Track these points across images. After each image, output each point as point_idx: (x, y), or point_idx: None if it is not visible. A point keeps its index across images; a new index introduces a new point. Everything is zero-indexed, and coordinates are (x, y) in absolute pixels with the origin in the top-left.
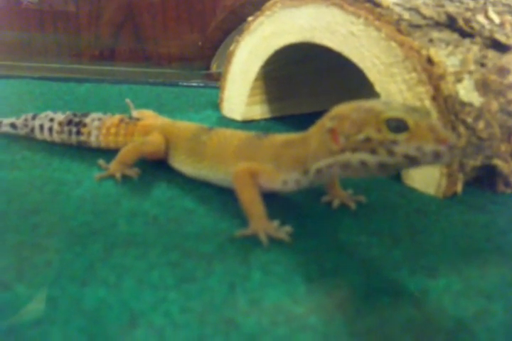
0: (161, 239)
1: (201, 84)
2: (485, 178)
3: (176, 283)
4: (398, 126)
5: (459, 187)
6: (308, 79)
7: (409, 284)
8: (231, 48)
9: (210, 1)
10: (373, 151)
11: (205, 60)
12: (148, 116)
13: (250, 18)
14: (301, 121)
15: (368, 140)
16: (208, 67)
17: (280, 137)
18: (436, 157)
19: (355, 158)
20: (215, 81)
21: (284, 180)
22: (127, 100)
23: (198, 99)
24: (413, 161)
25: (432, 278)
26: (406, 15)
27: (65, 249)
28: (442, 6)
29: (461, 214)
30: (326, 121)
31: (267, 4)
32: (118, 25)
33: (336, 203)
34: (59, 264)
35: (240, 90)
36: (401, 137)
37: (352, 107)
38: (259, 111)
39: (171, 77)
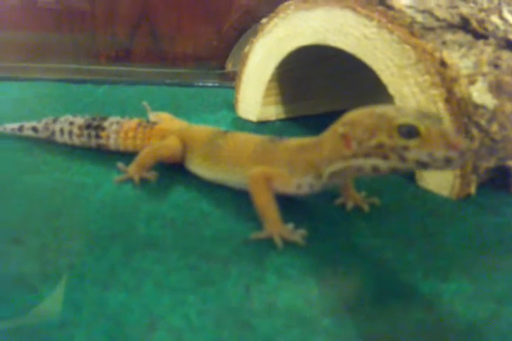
0: (179, 242)
1: (216, 84)
2: (499, 180)
3: (194, 286)
4: (410, 132)
5: (473, 189)
6: (323, 81)
7: (422, 287)
8: (246, 50)
9: (225, 1)
10: (385, 157)
11: (219, 59)
12: (165, 119)
13: (264, 20)
14: (316, 122)
15: (380, 146)
16: (222, 67)
17: (294, 141)
18: (447, 162)
19: (368, 163)
20: (230, 81)
21: (298, 183)
22: (144, 103)
23: (214, 99)
24: (424, 166)
25: (444, 280)
26: (419, 17)
27: (86, 253)
28: (456, 7)
29: (475, 215)
30: (338, 127)
31: (281, 6)
32: (134, 25)
33: (349, 205)
34: (81, 267)
35: (254, 91)
36: (412, 143)
37: (364, 113)
38: (273, 112)
39: (187, 77)
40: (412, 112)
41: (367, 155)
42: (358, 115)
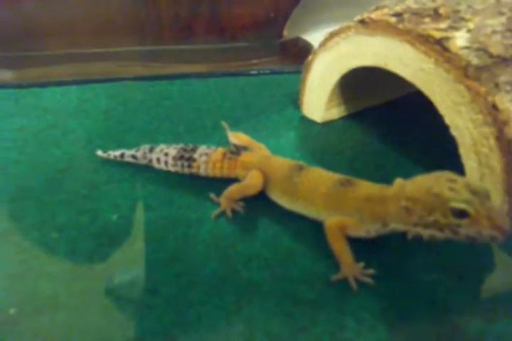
0: (274, 286)
1: (277, 70)
2: None
3: (291, 335)
4: (461, 213)
5: None
6: (380, 75)
7: (468, 328)
8: (309, 58)
9: None
10: (441, 230)
11: (277, 29)
12: (243, 140)
13: (326, 37)
14: (372, 115)
15: (436, 222)
16: (280, 35)
17: (362, 189)
18: (492, 239)
19: (426, 232)
20: (290, 56)
21: (368, 230)
22: (223, 123)
23: (279, 92)
24: (473, 240)
25: (489, 322)
26: (474, 60)
27: (207, 301)
28: (510, 37)
29: None
30: (402, 199)
31: (341, 27)
32: (195, 2)
33: (410, 235)
34: (206, 319)
35: (318, 98)
36: (463, 222)
37: (424, 191)
38: (336, 112)
39: (247, 51)
40: (464, 191)
41: (426, 226)
42: (419, 192)
